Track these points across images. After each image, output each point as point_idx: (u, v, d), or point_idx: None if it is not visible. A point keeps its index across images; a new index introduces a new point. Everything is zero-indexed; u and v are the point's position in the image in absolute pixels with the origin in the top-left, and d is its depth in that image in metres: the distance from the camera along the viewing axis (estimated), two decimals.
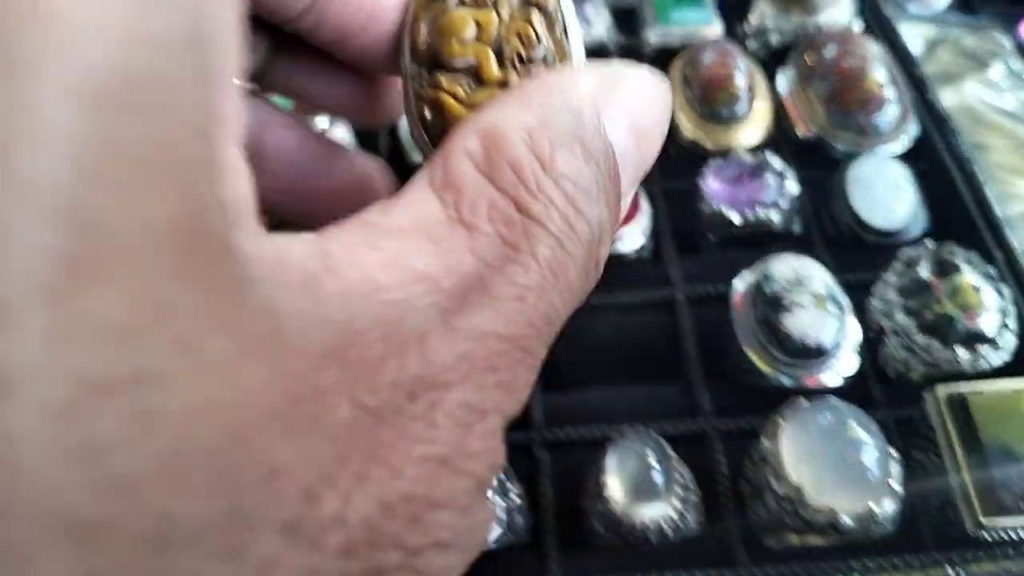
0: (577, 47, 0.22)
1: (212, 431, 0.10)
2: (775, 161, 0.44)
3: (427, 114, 0.22)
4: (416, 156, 0.48)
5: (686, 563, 0.33)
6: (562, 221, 0.15)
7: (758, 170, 0.43)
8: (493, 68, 0.22)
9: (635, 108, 0.18)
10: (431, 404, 0.13)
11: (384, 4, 0.21)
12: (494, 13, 0.22)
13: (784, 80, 0.51)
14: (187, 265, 0.10)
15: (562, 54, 0.22)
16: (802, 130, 0.49)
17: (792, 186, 0.43)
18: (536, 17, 0.22)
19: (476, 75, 0.22)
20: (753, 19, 0.56)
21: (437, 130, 0.22)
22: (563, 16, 0.22)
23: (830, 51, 0.50)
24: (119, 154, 0.10)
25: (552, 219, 0.15)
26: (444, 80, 0.22)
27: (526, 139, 0.16)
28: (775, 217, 0.42)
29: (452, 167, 0.16)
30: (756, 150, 0.46)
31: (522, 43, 0.22)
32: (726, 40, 0.53)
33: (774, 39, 0.55)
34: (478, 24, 0.22)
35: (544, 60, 0.22)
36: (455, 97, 0.22)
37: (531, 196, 0.15)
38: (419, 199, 0.15)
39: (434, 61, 0.22)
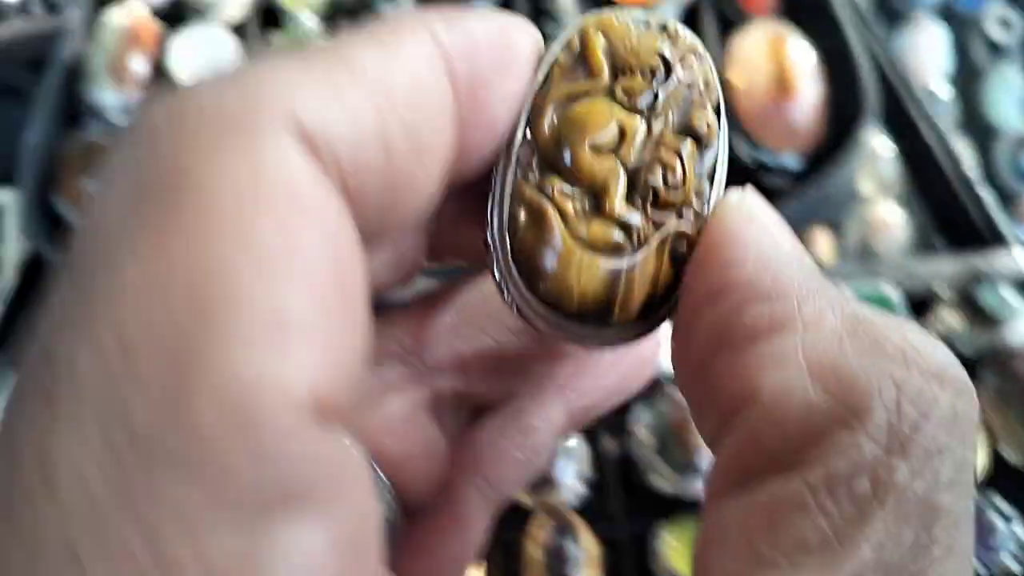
0: (717, 195, 0.18)
1: None
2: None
3: (520, 216, 0.18)
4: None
5: None
6: None
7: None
8: (617, 203, 0.18)
9: None
10: None
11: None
12: (643, 122, 0.18)
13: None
14: None
15: (700, 203, 0.18)
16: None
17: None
18: (688, 149, 0.18)
19: (595, 197, 0.18)
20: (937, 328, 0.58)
21: (526, 242, 0.18)
22: (717, 158, 0.18)
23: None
24: None
25: None
26: (556, 188, 0.18)
27: None
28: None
29: None
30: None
31: (663, 179, 0.18)
32: None
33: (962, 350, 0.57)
34: (621, 130, 0.18)
35: (677, 208, 0.18)
36: (562, 214, 0.18)
37: None
38: None
39: (552, 159, 0.18)
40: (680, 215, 0.18)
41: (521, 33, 0.17)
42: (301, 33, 0.64)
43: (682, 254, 0.18)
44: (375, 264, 0.20)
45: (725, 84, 0.55)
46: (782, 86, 0.54)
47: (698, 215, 0.18)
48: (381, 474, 0.20)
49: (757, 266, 0.16)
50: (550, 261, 0.18)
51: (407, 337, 0.21)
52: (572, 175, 0.18)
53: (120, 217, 0.13)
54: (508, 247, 0.18)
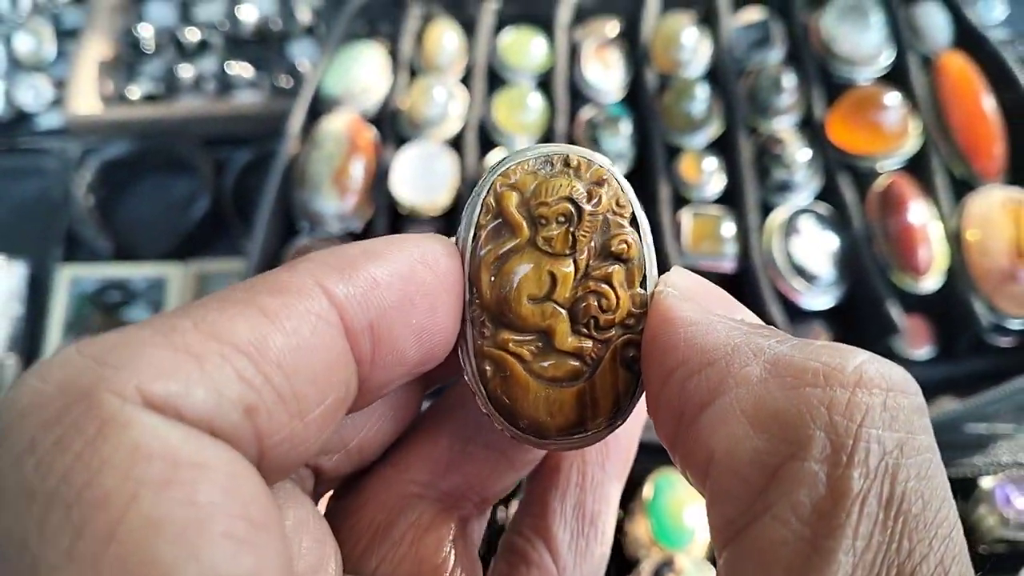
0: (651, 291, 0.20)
1: None
2: None
3: (487, 368, 0.20)
4: None
5: None
6: None
7: None
8: (567, 338, 0.20)
9: None
10: None
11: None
12: (571, 263, 0.20)
13: None
14: None
15: (640, 308, 0.20)
16: None
17: None
18: (616, 273, 0.20)
19: (546, 336, 0.20)
20: None
21: (497, 389, 0.20)
22: (645, 265, 0.21)
23: None
24: None
25: None
26: (511, 341, 0.20)
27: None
28: None
29: None
30: None
31: (599, 306, 0.20)
32: None
33: None
34: (552, 278, 0.20)
35: (621, 323, 0.20)
36: (520, 360, 0.20)
37: None
38: None
39: (499, 316, 0.20)
40: (624, 326, 0.20)
41: (425, 264, 0.19)
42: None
43: (633, 356, 0.20)
44: (375, 426, 0.22)
45: (954, 239, 0.57)
46: (1021, 250, 0.56)
47: (639, 318, 0.20)
48: None
49: (687, 342, 0.18)
50: (521, 401, 0.20)
51: (421, 474, 0.22)
52: (519, 325, 0.20)
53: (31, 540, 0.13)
54: (485, 393, 0.20)
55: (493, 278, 0.20)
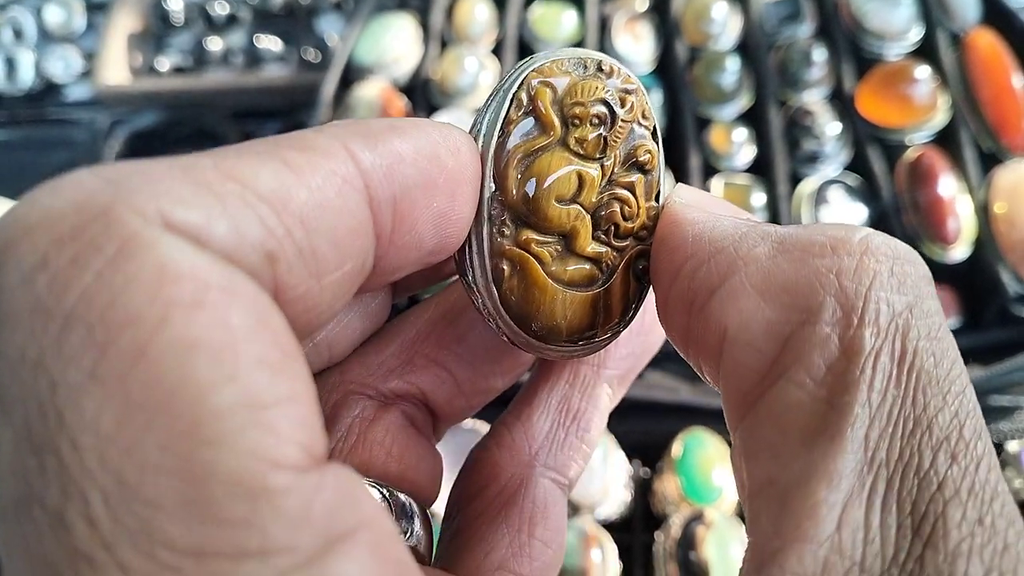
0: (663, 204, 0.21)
1: None
2: None
3: (504, 268, 0.20)
4: None
5: None
6: None
7: None
8: (588, 243, 0.20)
9: None
10: None
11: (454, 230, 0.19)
12: (599, 167, 0.20)
13: None
14: None
15: (652, 220, 0.21)
16: None
17: None
18: (639, 183, 0.21)
19: (566, 239, 0.20)
20: None
21: (513, 290, 0.20)
22: (661, 178, 0.21)
23: None
24: None
25: None
26: (534, 241, 0.20)
27: None
28: None
29: None
30: None
31: (621, 213, 0.20)
32: None
33: None
34: (580, 179, 0.20)
35: (633, 234, 0.21)
36: (540, 261, 0.20)
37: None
38: None
39: (523, 214, 0.20)
40: (637, 238, 0.21)
41: (448, 149, 0.18)
42: None
43: (643, 268, 0.21)
44: (345, 320, 0.22)
45: (982, 211, 0.59)
46: None
47: (651, 230, 0.21)
48: (401, 494, 0.22)
49: (695, 238, 0.19)
50: (538, 303, 0.20)
51: (362, 375, 0.23)
52: (543, 226, 0.20)
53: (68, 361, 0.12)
54: (496, 295, 0.20)
55: (520, 175, 0.19)
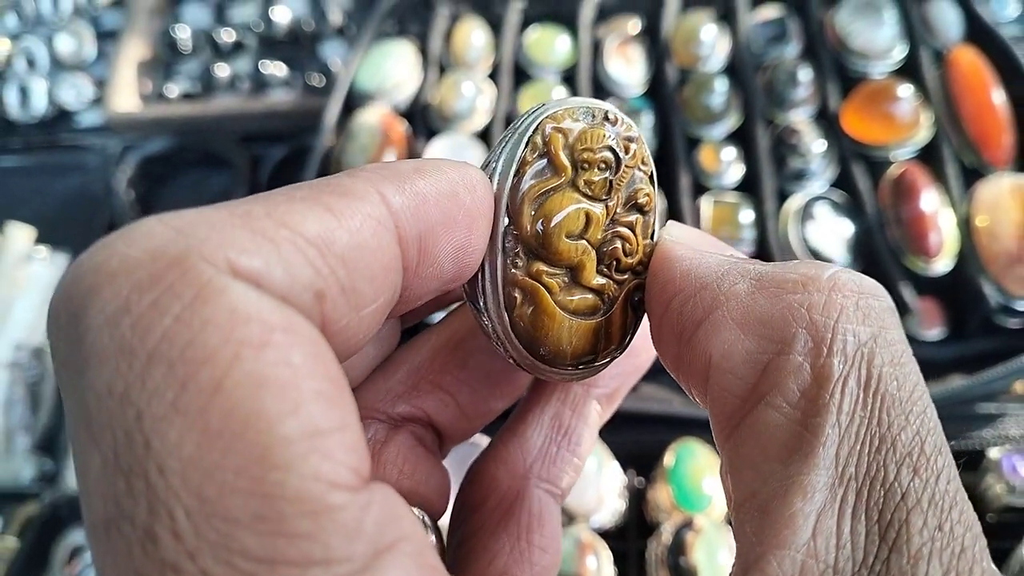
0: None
1: None
2: None
3: (516, 295, 0.22)
4: None
5: None
6: None
7: None
8: (592, 276, 0.22)
9: None
10: None
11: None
12: (603, 208, 0.22)
13: None
14: None
15: (648, 257, 0.23)
16: None
17: None
18: (638, 222, 0.23)
19: (572, 272, 0.22)
20: None
21: (524, 317, 0.22)
22: (655, 219, 0.23)
23: None
24: None
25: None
26: (544, 273, 0.22)
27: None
28: None
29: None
30: None
31: (623, 250, 0.23)
32: None
33: None
34: (587, 219, 0.22)
35: (632, 269, 0.23)
36: (549, 291, 0.22)
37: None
38: None
39: (534, 248, 0.22)
40: (635, 272, 0.23)
41: (466, 187, 0.20)
42: None
43: (639, 299, 0.23)
44: (363, 347, 0.24)
45: (964, 225, 0.61)
46: None
47: (647, 265, 0.23)
48: (415, 508, 0.24)
49: (683, 275, 0.21)
50: (547, 329, 0.22)
51: (374, 400, 0.25)
52: (553, 259, 0.22)
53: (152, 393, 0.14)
54: (507, 321, 0.22)
55: (534, 212, 0.21)
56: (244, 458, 0.14)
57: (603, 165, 0.22)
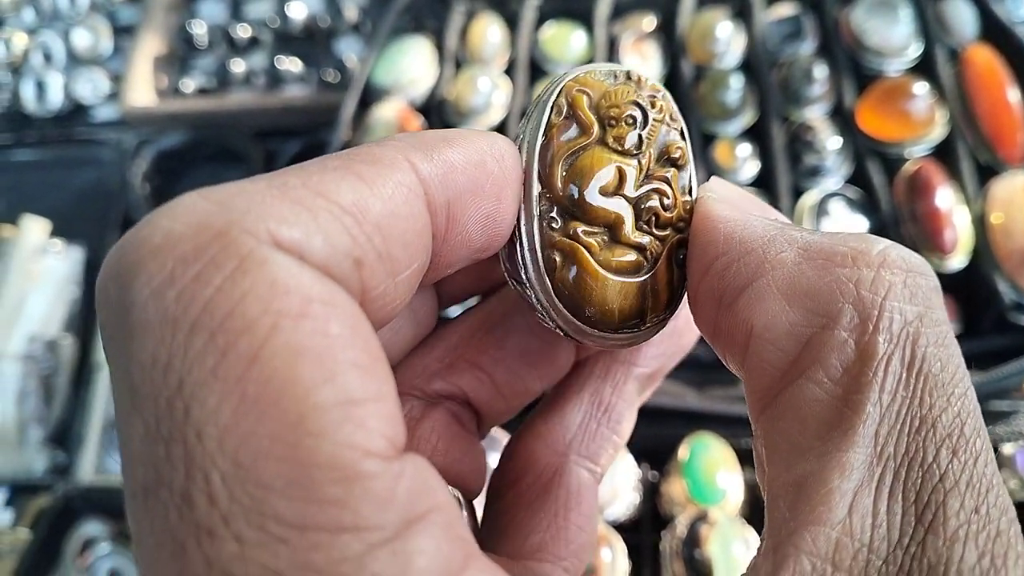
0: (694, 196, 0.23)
1: None
2: None
3: (556, 258, 0.21)
4: None
5: None
6: None
7: None
8: (632, 232, 0.22)
9: None
10: None
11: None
12: (636, 163, 0.22)
13: None
14: None
15: (688, 213, 0.23)
16: None
17: None
18: (674, 176, 0.22)
19: (611, 230, 0.22)
20: None
21: (566, 278, 0.21)
22: (691, 174, 0.23)
23: None
24: None
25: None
26: (582, 232, 0.21)
27: None
28: None
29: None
30: None
31: (660, 203, 0.22)
32: None
33: None
34: (620, 175, 0.22)
35: (674, 225, 0.22)
36: (589, 250, 0.21)
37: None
38: None
39: (569, 208, 0.21)
40: (676, 228, 0.22)
41: (493, 157, 0.20)
42: None
43: (684, 256, 0.23)
44: (398, 328, 0.25)
45: (978, 222, 0.62)
46: None
47: (688, 222, 0.23)
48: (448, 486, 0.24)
49: (727, 237, 0.21)
50: (590, 289, 0.21)
51: (411, 378, 0.25)
52: (589, 218, 0.21)
53: (191, 361, 0.14)
54: (549, 285, 0.21)
55: (565, 172, 0.21)
56: (279, 424, 0.14)
57: (630, 119, 0.22)
